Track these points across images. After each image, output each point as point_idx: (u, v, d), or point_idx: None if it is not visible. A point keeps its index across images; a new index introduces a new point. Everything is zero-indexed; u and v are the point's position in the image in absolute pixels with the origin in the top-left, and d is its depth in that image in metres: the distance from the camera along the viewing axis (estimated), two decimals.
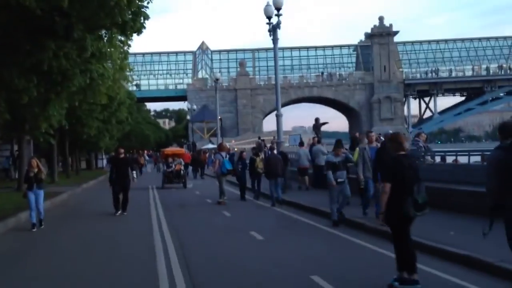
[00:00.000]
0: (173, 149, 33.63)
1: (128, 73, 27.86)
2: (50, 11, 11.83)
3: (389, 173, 6.38)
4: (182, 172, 25.46)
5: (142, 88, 79.53)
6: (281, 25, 19.21)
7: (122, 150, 15.77)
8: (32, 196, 12.08)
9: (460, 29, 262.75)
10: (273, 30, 19.56)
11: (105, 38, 18.46)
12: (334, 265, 7.98)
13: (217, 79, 36.24)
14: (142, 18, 13.65)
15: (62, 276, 7.82)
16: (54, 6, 11.35)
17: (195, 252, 9.21)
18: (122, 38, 21.36)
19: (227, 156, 17.87)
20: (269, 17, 19.68)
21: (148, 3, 13.81)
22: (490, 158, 6.15)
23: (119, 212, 14.76)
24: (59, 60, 13.71)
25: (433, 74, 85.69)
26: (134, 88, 70.58)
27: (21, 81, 13.73)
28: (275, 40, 19.70)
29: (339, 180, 11.65)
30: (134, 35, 15.01)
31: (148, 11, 14.08)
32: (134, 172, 16.20)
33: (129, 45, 21.92)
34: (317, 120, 25.82)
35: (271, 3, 19.54)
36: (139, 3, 13.38)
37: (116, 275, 7.74)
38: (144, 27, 13.84)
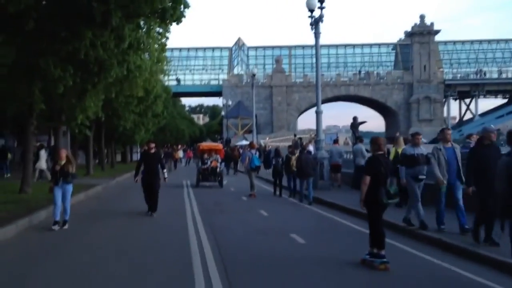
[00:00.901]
0: (209, 144, 30.58)
1: (165, 67, 27.37)
2: None
3: (369, 168, 7.77)
4: (218, 169, 23.06)
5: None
6: (323, 18, 18.46)
7: (152, 145, 13.68)
8: (58, 191, 10.97)
9: (499, 30, 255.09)
10: (315, 23, 18.82)
11: (144, 29, 18.12)
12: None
13: (253, 75, 35.58)
14: (182, 6, 13.14)
15: (88, 275, 7.33)
16: None
17: (233, 255, 8.61)
18: (160, 30, 21.08)
19: (257, 153, 21.11)
20: (311, 10, 18.94)
21: None
22: (500, 163, 6.94)
23: (150, 212, 13.40)
24: (96, 49, 13.31)
25: (475, 75, 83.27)
26: (174, 82, 70.71)
27: (57, 70, 13.31)
28: (317, 34, 18.94)
29: (420, 176, 10.21)
30: (173, 25, 14.49)
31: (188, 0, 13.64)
32: (166, 170, 14.09)
33: (167, 37, 21.57)
34: (355, 118, 25.25)
35: None
36: None
37: (147, 275, 7.20)
38: (184, 16, 13.32)
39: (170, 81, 62.64)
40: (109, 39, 13.49)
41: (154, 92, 30.35)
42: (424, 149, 10.68)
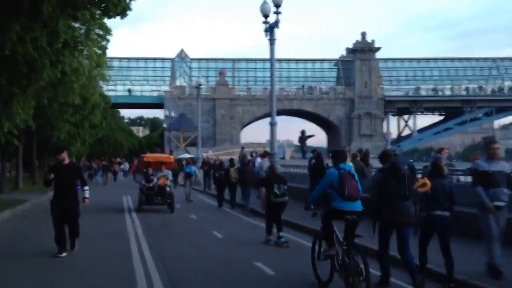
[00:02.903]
0: (157, 155, 23.52)
1: (105, 71, 25.08)
2: None
3: (263, 180, 12.35)
4: (168, 188, 18.22)
5: (118, 93, 76.75)
6: (279, 24, 17.38)
7: (63, 155, 9.74)
8: None
9: (433, 50, 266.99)
10: (270, 29, 17.74)
11: (82, 30, 16.42)
12: None
13: (200, 84, 33.98)
14: None
15: None
16: None
17: None
18: (101, 32, 19.37)
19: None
20: (265, 16, 17.86)
21: None
22: (374, 177, 8.16)
23: (64, 253, 9.48)
24: (25, 45, 11.50)
25: (414, 92, 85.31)
26: (113, 92, 67.66)
27: None
28: (272, 41, 17.86)
29: (497, 203, 7.79)
30: (117, 22, 12.92)
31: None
32: (87, 188, 9.96)
33: (108, 40, 19.90)
34: (303, 132, 25.21)
35: (268, 0, 17.74)
36: None
37: None
38: (130, 8, 11.76)
39: (109, 91, 59.98)
40: (41, 35, 11.70)
41: (92, 100, 28.25)
42: (506, 164, 8.32)
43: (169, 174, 19.22)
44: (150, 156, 21.11)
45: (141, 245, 10.92)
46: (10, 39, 10.87)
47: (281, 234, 11.27)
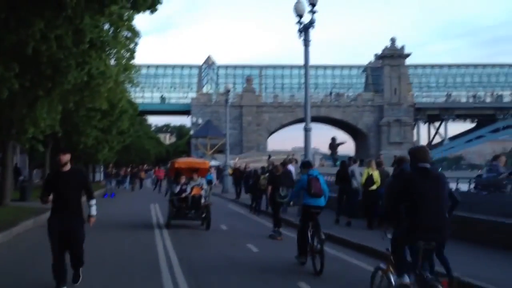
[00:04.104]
0: (189, 160, 20.16)
1: (133, 75, 24.10)
2: None
3: (270, 180, 13.86)
4: (204, 200, 15.01)
5: (145, 100, 76.84)
6: (315, 24, 16.46)
7: (65, 158, 7.17)
8: None
9: (461, 57, 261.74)
10: (305, 30, 16.79)
11: (110, 31, 15.82)
12: None
13: (228, 90, 33.11)
14: None
15: None
16: None
17: None
18: (129, 34, 18.79)
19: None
20: (300, 15, 16.94)
21: None
22: (386, 183, 8.88)
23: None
24: (49, 44, 10.85)
25: (445, 99, 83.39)
26: (141, 100, 67.60)
27: None
28: (306, 42, 16.88)
29: None
30: (145, 23, 12.22)
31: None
32: (94, 202, 7.48)
33: (136, 43, 19.30)
34: (333, 139, 24.37)
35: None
36: None
37: None
38: (160, 2, 11.02)
39: (136, 98, 59.92)
40: (66, 33, 11.05)
41: (119, 106, 27.76)
42: None
43: (204, 182, 15.96)
44: (182, 162, 17.46)
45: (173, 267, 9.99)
46: (33, 36, 10.21)
47: (275, 229, 13.16)
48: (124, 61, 19.36)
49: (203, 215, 14.78)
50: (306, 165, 10.25)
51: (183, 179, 15.50)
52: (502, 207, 10.17)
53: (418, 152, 5.98)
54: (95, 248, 10.11)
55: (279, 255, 10.56)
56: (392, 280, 5.88)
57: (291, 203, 11.33)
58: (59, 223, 7.10)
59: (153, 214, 19.01)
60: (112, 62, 19.15)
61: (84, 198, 7.33)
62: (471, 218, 10.61)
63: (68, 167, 7.16)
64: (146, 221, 16.59)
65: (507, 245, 9.57)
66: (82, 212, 7.30)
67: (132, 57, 20.17)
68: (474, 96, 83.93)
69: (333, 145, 19.98)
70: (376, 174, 14.12)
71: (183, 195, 15.01)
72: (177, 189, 15.24)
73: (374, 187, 13.89)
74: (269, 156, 39.35)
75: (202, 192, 15.21)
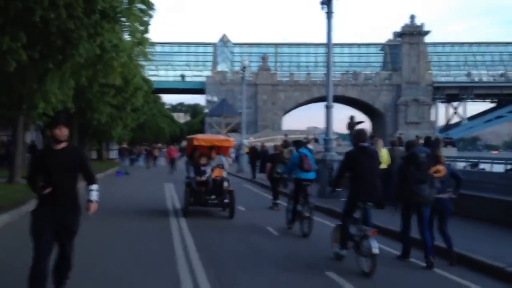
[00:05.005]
0: (210, 136, 16.62)
1: (148, 50, 23.00)
2: None
3: (270, 158, 15.63)
4: (226, 183, 13.12)
5: (160, 79, 76.12)
6: None
7: (62, 132, 5.43)
8: None
9: (479, 36, 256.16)
10: (328, 1, 15.95)
11: (123, 2, 15.06)
12: None
13: (244, 67, 32.21)
14: None
15: None
16: None
17: None
18: (143, 7, 18.03)
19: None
20: None
21: None
22: (397, 164, 11.09)
23: None
24: (58, 11, 10.14)
25: (464, 78, 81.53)
26: (155, 78, 66.80)
27: (4, 38, 10.06)
28: (329, 14, 16.05)
29: None
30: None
31: None
32: (94, 188, 5.71)
33: (151, 16, 18.52)
34: (352, 118, 23.60)
35: None
36: None
37: None
38: None
39: (150, 76, 59.25)
40: (75, 0, 10.31)
41: (134, 82, 27.09)
42: None
43: (225, 162, 13.94)
44: (202, 138, 14.70)
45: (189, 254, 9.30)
46: (40, 3, 9.51)
47: (275, 201, 14.82)
48: (138, 34, 18.59)
49: (226, 201, 12.86)
50: (299, 144, 11.63)
51: (203, 160, 13.47)
52: None
53: (359, 135, 8.10)
54: (102, 238, 9.37)
55: (300, 241, 9.95)
56: (337, 250, 8.09)
57: (286, 175, 12.22)
58: (49, 218, 5.33)
59: (167, 195, 18.14)
60: (126, 36, 18.41)
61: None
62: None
63: (62, 144, 5.47)
64: (161, 204, 15.44)
65: None
66: (78, 200, 5.55)
67: (146, 30, 19.30)
68: (494, 75, 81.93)
69: (351, 124, 19.36)
70: (384, 153, 13.80)
71: (203, 177, 13.06)
72: (195, 171, 13.28)
73: (382, 166, 13.36)
74: (286, 135, 38.65)
75: (224, 174, 13.45)
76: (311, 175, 10.94)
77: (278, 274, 7.28)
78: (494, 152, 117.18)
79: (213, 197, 12.89)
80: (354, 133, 8.37)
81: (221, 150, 14.10)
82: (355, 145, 8.13)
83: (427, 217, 8.01)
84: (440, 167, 8.14)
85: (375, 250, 7.08)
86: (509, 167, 11.48)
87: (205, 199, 12.86)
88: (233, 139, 17.30)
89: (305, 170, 10.73)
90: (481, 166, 21.17)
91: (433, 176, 8.00)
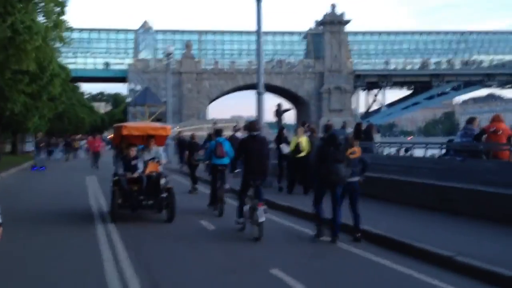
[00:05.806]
0: (143, 124, 15.11)
1: (65, 34, 21.16)
2: None
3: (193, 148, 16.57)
4: (163, 180, 11.23)
5: (78, 67, 72.68)
6: None
7: None
8: None
9: (402, 24, 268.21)
10: None
11: None
12: None
13: (169, 54, 31.15)
14: None
15: None
16: None
17: None
18: None
19: None
20: None
21: None
22: (316, 144, 11.51)
23: None
24: None
25: (383, 66, 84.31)
26: (73, 66, 63.41)
27: None
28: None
29: None
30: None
31: None
32: None
33: None
34: (279, 105, 23.75)
35: None
36: None
37: None
38: None
39: (68, 64, 56.42)
40: None
41: (50, 69, 25.34)
42: None
43: (161, 154, 12.12)
44: (133, 126, 12.45)
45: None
46: None
47: (194, 186, 16.49)
48: (53, 16, 17.19)
49: (164, 202, 11.01)
50: (216, 133, 12.77)
51: (133, 152, 11.34)
52: (480, 174, 9.47)
53: (251, 125, 9.93)
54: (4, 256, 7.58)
55: (236, 234, 9.50)
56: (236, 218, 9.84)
57: (206, 162, 13.27)
58: None
59: (90, 192, 16.33)
60: (40, 18, 17.00)
61: None
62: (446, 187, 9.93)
63: None
64: (83, 204, 13.55)
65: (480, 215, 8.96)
66: None
67: (62, 12, 17.87)
68: (411, 64, 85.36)
69: (279, 111, 19.31)
70: (304, 141, 14.31)
71: (135, 174, 11.05)
72: (124, 166, 11.22)
73: (302, 154, 14.19)
74: (215, 123, 38.00)
75: (160, 169, 11.55)
76: (225, 161, 11.94)
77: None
78: (409, 138, 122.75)
79: (148, 197, 11.02)
80: (247, 124, 10.35)
81: (156, 140, 12.20)
82: (248, 134, 9.84)
83: (338, 196, 8.83)
84: (356, 148, 9.01)
85: (262, 219, 8.67)
86: (443, 151, 11.65)
87: (138, 200, 10.94)
88: (170, 126, 14.76)
89: (218, 156, 11.90)
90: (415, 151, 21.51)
91: (349, 158, 8.83)
